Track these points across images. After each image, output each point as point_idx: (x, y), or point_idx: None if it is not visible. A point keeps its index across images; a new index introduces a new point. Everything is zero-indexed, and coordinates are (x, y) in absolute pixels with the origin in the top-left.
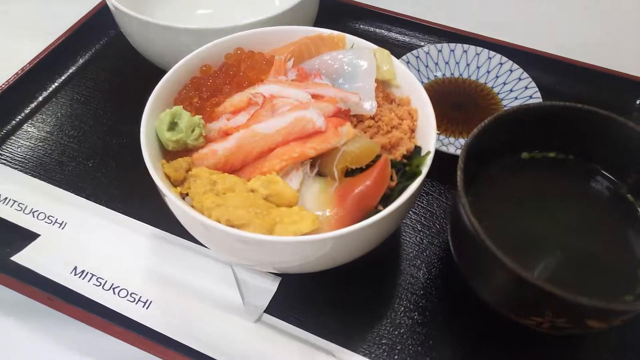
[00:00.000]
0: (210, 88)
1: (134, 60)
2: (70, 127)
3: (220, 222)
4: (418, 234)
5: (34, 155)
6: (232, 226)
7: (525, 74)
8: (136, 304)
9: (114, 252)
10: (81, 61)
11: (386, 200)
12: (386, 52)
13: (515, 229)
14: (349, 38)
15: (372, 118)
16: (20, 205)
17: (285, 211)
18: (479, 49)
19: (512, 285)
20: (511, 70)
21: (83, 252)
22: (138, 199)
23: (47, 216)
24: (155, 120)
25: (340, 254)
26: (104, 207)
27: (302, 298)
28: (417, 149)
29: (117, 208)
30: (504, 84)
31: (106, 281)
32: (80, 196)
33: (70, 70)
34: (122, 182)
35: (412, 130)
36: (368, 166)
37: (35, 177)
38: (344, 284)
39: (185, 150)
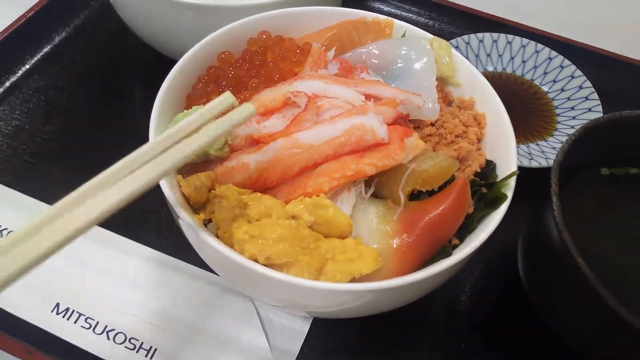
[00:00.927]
0: (233, 81)
1: (125, 40)
2: (46, 122)
3: (256, 260)
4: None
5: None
6: (272, 265)
7: (578, 72)
8: (137, 352)
9: (107, 285)
10: (57, 38)
11: (460, 231)
12: (445, 42)
13: (603, 256)
14: (398, 24)
15: (432, 124)
16: None
17: (337, 245)
18: (525, 40)
19: (609, 326)
20: (562, 67)
21: (67, 285)
22: (138, 214)
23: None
24: (167, 123)
25: (404, 299)
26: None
27: (340, 341)
28: (489, 163)
29: (110, 226)
30: (554, 81)
31: (98, 322)
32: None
33: (45, 49)
34: None
35: (479, 140)
36: (440, 188)
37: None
38: (389, 321)
39: (203, 162)
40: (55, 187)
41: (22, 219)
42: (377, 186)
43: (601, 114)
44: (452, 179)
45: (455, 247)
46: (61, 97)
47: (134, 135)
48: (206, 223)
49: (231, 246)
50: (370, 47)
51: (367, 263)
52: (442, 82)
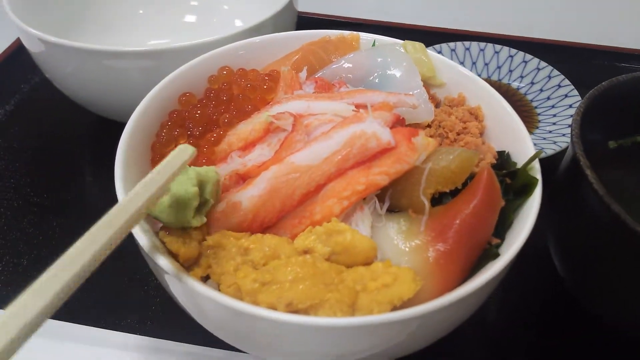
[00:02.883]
0: (201, 121)
1: (63, 110)
2: None
3: (277, 309)
4: None
5: None
6: (296, 312)
7: (543, 63)
8: None
9: None
10: None
11: (497, 229)
12: (419, 44)
13: None
14: (365, 36)
15: (429, 126)
16: None
17: (365, 273)
18: (482, 44)
19: None
20: (525, 62)
21: None
22: (109, 297)
23: None
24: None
25: (458, 318)
26: (58, 322)
27: None
28: (501, 153)
29: (77, 318)
30: (521, 77)
31: None
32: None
33: None
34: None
35: (481, 133)
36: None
37: None
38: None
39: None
40: (5, 290)
41: None
42: (393, 198)
43: (578, 97)
44: (471, 176)
45: (498, 246)
46: (1, 188)
47: (96, 212)
48: (203, 281)
49: (240, 300)
50: (343, 62)
51: (405, 286)
52: (425, 84)
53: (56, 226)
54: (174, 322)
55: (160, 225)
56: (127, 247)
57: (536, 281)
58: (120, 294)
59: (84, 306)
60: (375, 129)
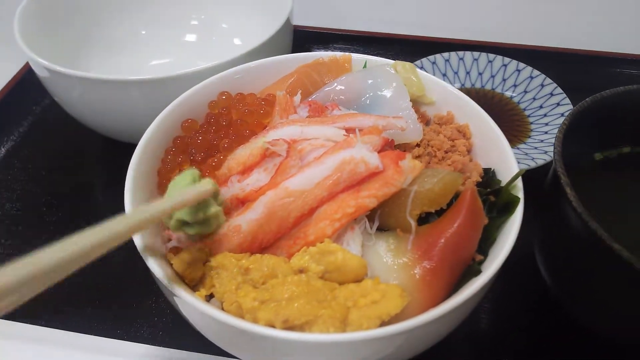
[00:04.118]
0: (203, 146)
1: (73, 130)
2: (5, 234)
3: (275, 326)
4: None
5: None
6: (291, 328)
7: (536, 72)
8: None
9: None
10: (3, 149)
11: (480, 246)
12: (409, 64)
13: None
14: (356, 57)
15: (418, 145)
16: None
17: (356, 290)
18: (476, 53)
19: None
20: (518, 70)
21: None
22: (123, 309)
23: None
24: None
25: (443, 331)
26: (72, 333)
27: None
28: (487, 171)
29: (92, 329)
30: (515, 85)
31: None
32: (39, 325)
33: None
34: (92, 295)
35: (468, 151)
36: (447, 205)
37: None
38: None
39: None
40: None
41: None
42: (382, 218)
43: (570, 106)
44: (457, 195)
45: (480, 263)
46: (19, 208)
47: None
48: (207, 300)
49: (241, 318)
50: (335, 84)
51: (393, 302)
52: (415, 103)
53: None
54: (185, 332)
55: (170, 247)
56: (138, 262)
57: (525, 287)
58: (133, 305)
59: (97, 317)
60: (363, 154)
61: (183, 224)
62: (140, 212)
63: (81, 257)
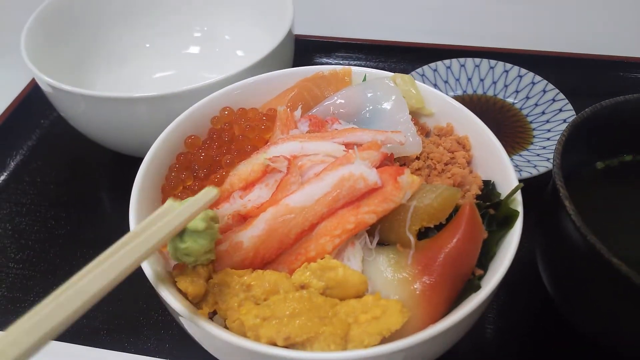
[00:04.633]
0: (205, 163)
1: (82, 149)
2: (15, 248)
3: (277, 344)
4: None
5: None
6: (293, 345)
7: (538, 77)
8: None
9: None
10: (12, 163)
11: (480, 260)
12: (408, 76)
13: (633, 252)
14: (356, 70)
15: (418, 158)
16: None
17: (357, 305)
18: (477, 60)
19: None
20: (520, 76)
21: None
22: (128, 321)
23: None
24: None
25: (444, 346)
26: (85, 348)
27: None
28: (487, 184)
29: (102, 343)
30: (517, 91)
31: None
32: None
33: (1, 177)
34: (102, 308)
35: (468, 163)
36: (447, 220)
37: None
38: None
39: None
40: None
41: None
42: (382, 233)
43: (572, 112)
44: (456, 208)
45: (480, 277)
46: (28, 222)
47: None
48: (211, 316)
49: (244, 335)
50: (335, 98)
51: (393, 318)
52: (415, 115)
53: (79, 257)
54: (191, 345)
55: (174, 265)
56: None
57: (528, 295)
58: (139, 317)
59: (104, 330)
60: (362, 171)
61: (184, 254)
62: (153, 237)
63: (101, 292)
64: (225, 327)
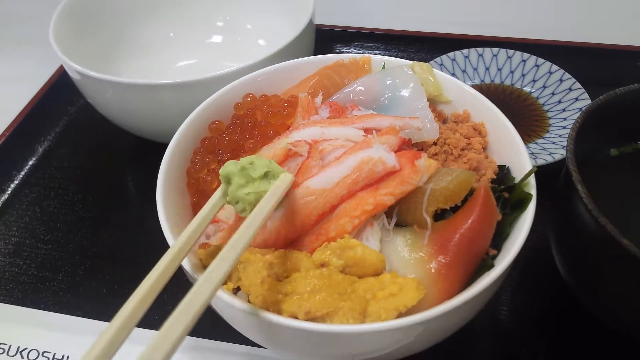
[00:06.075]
0: (229, 147)
1: (108, 135)
2: (44, 230)
3: (297, 318)
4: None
5: (4, 276)
6: (313, 319)
7: (555, 67)
8: None
9: None
10: (40, 149)
11: (494, 241)
12: (426, 65)
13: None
14: (375, 59)
15: (435, 144)
16: (1, 346)
17: (375, 283)
18: (495, 49)
19: None
20: (537, 66)
21: None
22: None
23: (40, 354)
24: (172, 204)
25: (457, 323)
26: (90, 320)
27: None
28: (502, 168)
29: (100, 315)
30: (534, 81)
31: None
32: (76, 315)
33: (30, 162)
34: (128, 286)
35: (484, 148)
36: (462, 202)
37: (11, 304)
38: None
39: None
40: (66, 297)
41: (40, 336)
42: (399, 214)
43: (589, 101)
44: (471, 191)
45: (494, 257)
46: (56, 205)
47: (141, 227)
48: (235, 292)
49: (267, 309)
50: (355, 85)
51: (410, 294)
52: (433, 102)
53: (106, 238)
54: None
55: (199, 243)
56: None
57: (543, 279)
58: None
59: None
60: (381, 154)
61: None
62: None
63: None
64: (249, 302)
